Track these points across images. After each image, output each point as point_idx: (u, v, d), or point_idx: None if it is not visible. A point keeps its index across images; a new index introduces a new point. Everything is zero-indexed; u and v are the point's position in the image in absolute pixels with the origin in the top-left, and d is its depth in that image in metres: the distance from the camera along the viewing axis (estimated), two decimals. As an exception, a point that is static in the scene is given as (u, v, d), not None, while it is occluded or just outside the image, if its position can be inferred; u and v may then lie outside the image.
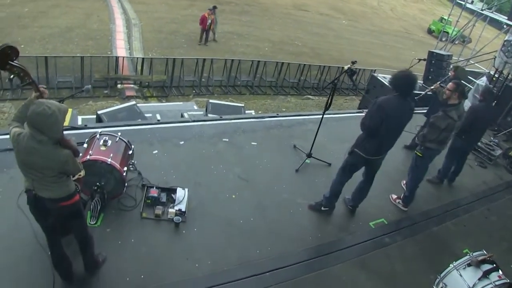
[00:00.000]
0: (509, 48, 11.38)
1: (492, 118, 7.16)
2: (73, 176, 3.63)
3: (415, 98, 7.13)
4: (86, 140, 5.20)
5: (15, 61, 3.53)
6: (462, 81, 9.32)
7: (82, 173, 3.79)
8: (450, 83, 6.22)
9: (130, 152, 5.47)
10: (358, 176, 5.84)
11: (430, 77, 13.18)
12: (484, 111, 7.12)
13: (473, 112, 7.14)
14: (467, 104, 11.18)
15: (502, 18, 14.75)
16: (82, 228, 3.96)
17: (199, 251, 4.87)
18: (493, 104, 7.25)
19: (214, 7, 20.11)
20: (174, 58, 15.67)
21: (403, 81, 5.05)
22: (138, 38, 19.55)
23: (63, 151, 3.30)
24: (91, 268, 4.23)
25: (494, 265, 4.64)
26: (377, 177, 5.70)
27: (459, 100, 6.02)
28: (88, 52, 15.96)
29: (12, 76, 3.61)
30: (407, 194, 6.62)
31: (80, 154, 4.15)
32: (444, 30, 22.57)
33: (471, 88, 11.66)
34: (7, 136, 3.51)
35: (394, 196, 6.85)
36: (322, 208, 6.00)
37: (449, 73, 9.14)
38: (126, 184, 5.20)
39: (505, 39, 11.82)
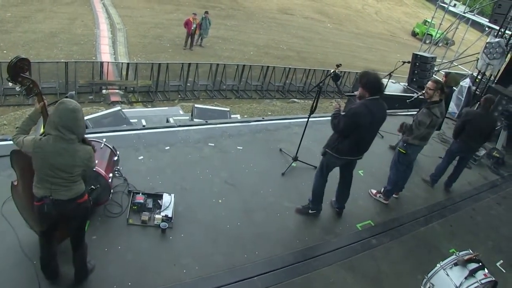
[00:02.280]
0: (491, 50, 11.55)
1: (487, 126, 7.18)
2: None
3: (407, 101, 7.23)
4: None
5: (26, 73, 3.58)
6: (453, 87, 9.45)
7: None
8: (430, 82, 6.28)
9: (116, 158, 5.43)
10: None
11: (414, 79, 13.34)
12: (477, 117, 7.19)
13: (465, 115, 7.40)
14: (451, 106, 11.35)
15: (484, 21, 14.97)
16: (81, 231, 3.94)
17: (186, 256, 4.83)
18: (489, 111, 7.32)
19: (206, 12, 20.13)
20: (159, 63, 15.65)
21: (376, 80, 5.11)
22: (123, 43, 19.47)
23: (87, 147, 3.48)
24: (81, 276, 4.15)
25: (480, 264, 4.68)
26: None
27: (440, 97, 6.12)
28: (73, 58, 15.85)
29: (21, 87, 3.61)
30: (388, 188, 6.72)
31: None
32: (428, 32, 22.83)
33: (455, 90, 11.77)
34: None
35: (374, 191, 6.92)
36: (310, 211, 6.00)
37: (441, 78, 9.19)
38: (111, 191, 5.15)
39: (487, 41, 11.99)
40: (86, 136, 3.53)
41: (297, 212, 6.04)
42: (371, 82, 5.08)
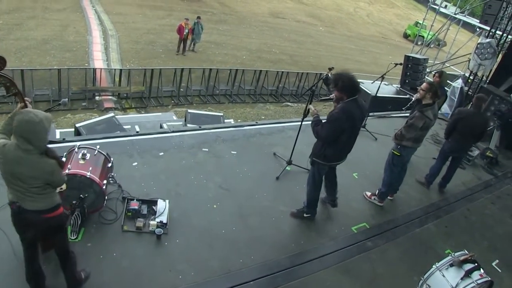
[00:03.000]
0: (482, 50, 11.62)
1: (479, 124, 7.21)
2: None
3: (403, 108, 7.22)
4: (65, 154, 5.09)
5: (1, 72, 3.53)
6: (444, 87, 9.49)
7: (64, 186, 3.74)
8: (424, 84, 6.31)
9: (110, 165, 5.40)
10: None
11: (407, 81, 13.40)
12: (469, 115, 7.23)
13: (457, 113, 7.48)
14: (445, 107, 11.40)
15: (475, 22, 15.09)
16: (63, 243, 3.89)
17: (182, 262, 4.82)
18: (482, 110, 7.41)
19: (198, 17, 20.18)
20: (152, 69, 15.65)
21: (351, 81, 5.06)
22: (115, 49, 19.43)
23: (50, 161, 3.32)
24: (74, 285, 4.11)
25: (476, 264, 4.69)
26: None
27: (432, 100, 6.12)
28: (65, 64, 15.80)
29: None
30: (383, 190, 6.73)
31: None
32: (420, 34, 22.94)
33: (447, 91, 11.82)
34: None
35: (369, 194, 6.94)
36: (304, 215, 5.99)
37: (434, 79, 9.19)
38: (106, 197, 5.11)
39: (478, 41, 12.07)
40: (80, 143, 3.49)
41: (292, 216, 6.04)
42: (347, 86, 5.03)
